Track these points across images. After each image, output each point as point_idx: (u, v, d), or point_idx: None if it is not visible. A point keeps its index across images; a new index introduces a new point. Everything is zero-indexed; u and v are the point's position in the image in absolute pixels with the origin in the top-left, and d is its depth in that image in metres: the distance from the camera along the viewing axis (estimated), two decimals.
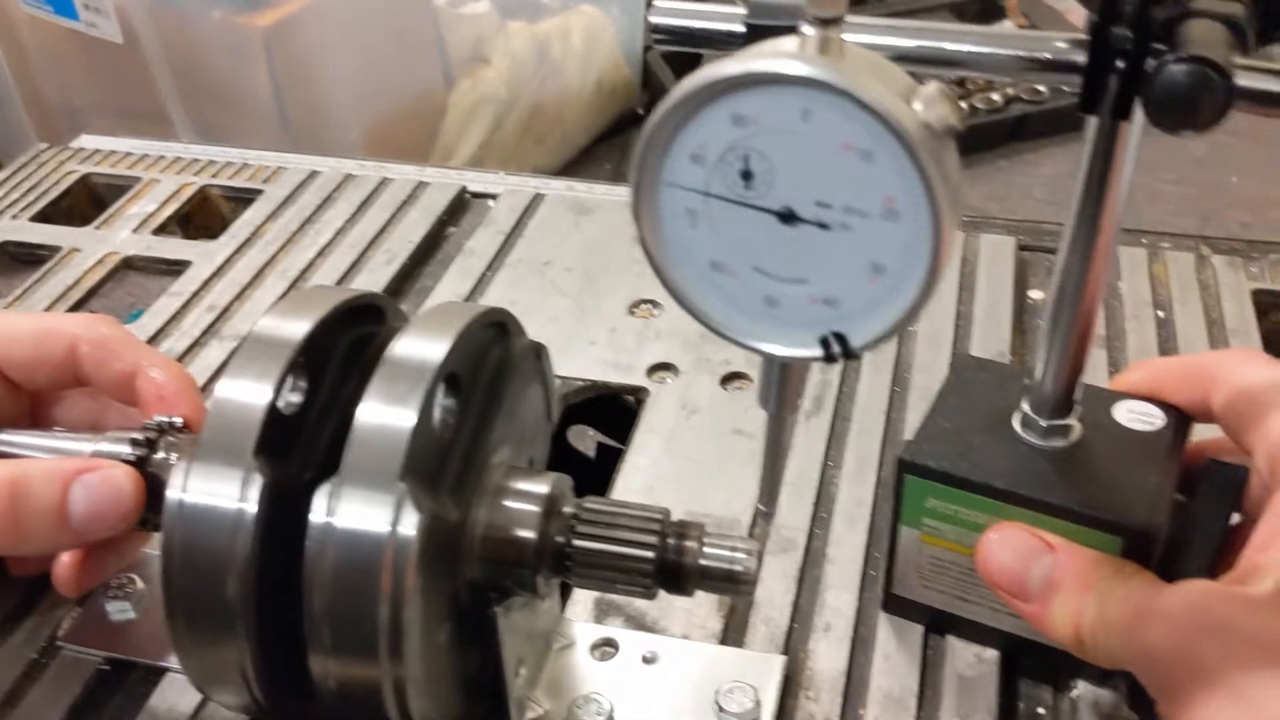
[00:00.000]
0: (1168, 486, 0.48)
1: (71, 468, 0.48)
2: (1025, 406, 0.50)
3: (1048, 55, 0.39)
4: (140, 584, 0.57)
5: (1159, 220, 2.11)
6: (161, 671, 0.54)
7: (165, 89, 1.79)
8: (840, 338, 0.36)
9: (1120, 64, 0.36)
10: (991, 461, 0.49)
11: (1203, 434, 0.51)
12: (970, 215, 0.85)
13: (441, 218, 0.88)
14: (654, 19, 0.42)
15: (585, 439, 1.04)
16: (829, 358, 0.37)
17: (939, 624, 0.54)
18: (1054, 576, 0.45)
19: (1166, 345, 0.72)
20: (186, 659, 0.43)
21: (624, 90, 2.40)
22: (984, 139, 2.33)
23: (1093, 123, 0.41)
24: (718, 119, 0.34)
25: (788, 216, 0.35)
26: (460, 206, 0.91)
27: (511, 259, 0.83)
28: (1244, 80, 0.34)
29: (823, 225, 0.34)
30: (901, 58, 0.39)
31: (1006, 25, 2.62)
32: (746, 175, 0.35)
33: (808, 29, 0.33)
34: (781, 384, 0.41)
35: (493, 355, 0.47)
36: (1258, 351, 0.50)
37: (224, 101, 1.80)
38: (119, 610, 0.56)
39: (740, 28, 0.40)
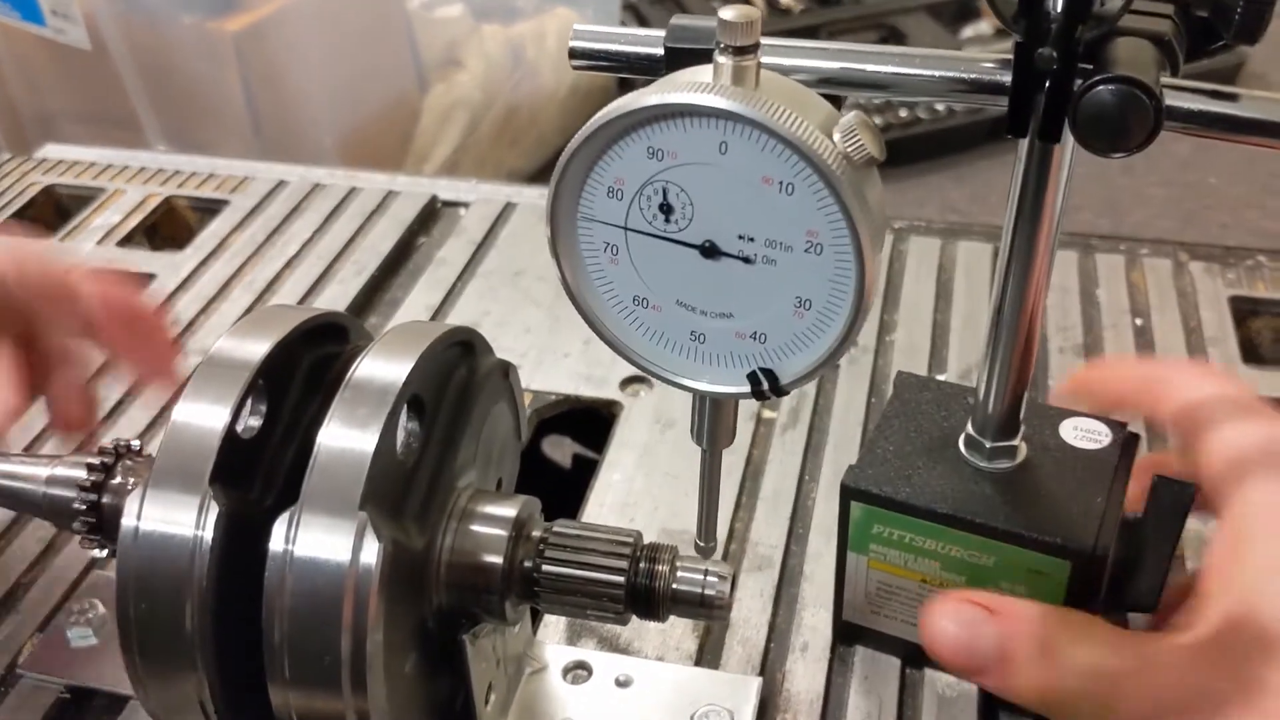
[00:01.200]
0: (1115, 507, 0.47)
1: None
2: (969, 428, 0.49)
3: (973, 76, 0.38)
4: (102, 609, 0.56)
5: (1144, 222, 2.12)
6: (124, 700, 0.53)
7: (135, 95, 1.77)
8: (769, 373, 0.35)
9: (1046, 85, 0.35)
10: (936, 485, 0.48)
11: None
12: (948, 222, 0.84)
13: (411, 227, 0.87)
14: (573, 43, 0.41)
15: (562, 448, 1.03)
16: (758, 394, 0.36)
17: (892, 651, 0.53)
18: (1006, 648, 0.43)
19: (1144, 353, 0.72)
20: (144, 691, 0.42)
21: (599, 93, 2.39)
22: (963, 139, 2.33)
23: (1023, 143, 0.40)
24: (634, 152, 0.33)
25: (710, 250, 0.34)
26: (431, 216, 0.90)
27: (483, 269, 0.82)
28: (1173, 100, 0.34)
29: (745, 259, 0.34)
30: (824, 81, 0.38)
31: (983, 26, 2.62)
32: (666, 209, 0.34)
33: (722, 58, 0.32)
34: (713, 420, 0.40)
35: (458, 375, 0.46)
36: (1209, 367, 0.49)
37: (195, 108, 1.78)
38: (80, 636, 0.55)
39: (658, 51, 0.39)
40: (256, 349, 0.43)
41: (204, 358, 0.43)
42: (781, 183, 0.32)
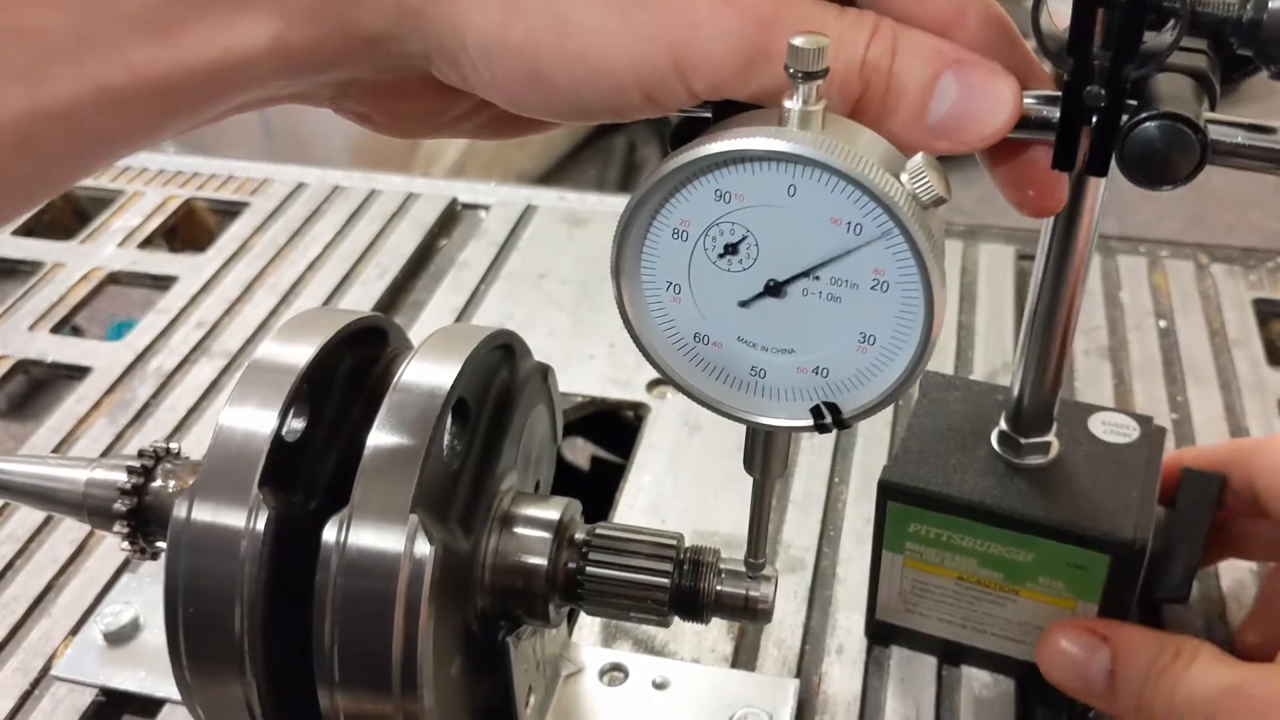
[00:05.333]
0: (1150, 499, 0.48)
1: (952, 53, 0.34)
2: (1003, 424, 0.50)
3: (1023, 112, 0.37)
4: (135, 612, 0.56)
5: (1150, 221, 2.12)
6: (159, 703, 0.53)
7: None
8: (832, 407, 0.35)
9: (1093, 121, 0.35)
10: (974, 481, 0.49)
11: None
12: (967, 224, 0.84)
13: (432, 230, 0.87)
14: None
15: (575, 449, 1.03)
16: (820, 428, 0.36)
17: (929, 649, 0.53)
18: (1115, 670, 0.45)
19: (1169, 355, 0.72)
20: (190, 695, 0.42)
21: None
22: None
23: None
24: (701, 195, 0.33)
25: (774, 289, 0.34)
26: (451, 218, 0.90)
27: (505, 271, 0.82)
28: (1216, 134, 0.34)
29: (810, 297, 0.34)
30: None
31: None
32: (731, 249, 0.34)
33: (789, 103, 0.32)
34: (766, 450, 0.40)
35: (500, 378, 0.46)
36: None
37: None
38: (113, 639, 0.55)
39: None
40: (301, 353, 0.43)
41: (249, 361, 0.43)
42: (850, 223, 0.32)
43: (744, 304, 0.34)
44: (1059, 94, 0.36)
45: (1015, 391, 0.48)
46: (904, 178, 0.32)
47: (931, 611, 0.52)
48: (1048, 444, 0.49)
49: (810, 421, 0.36)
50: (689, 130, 0.42)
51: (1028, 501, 0.48)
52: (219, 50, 0.32)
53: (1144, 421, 0.51)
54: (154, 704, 0.53)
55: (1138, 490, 0.48)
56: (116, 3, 0.30)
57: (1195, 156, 0.34)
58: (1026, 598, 0.49)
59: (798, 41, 0.31)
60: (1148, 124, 0.34)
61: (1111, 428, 0.51)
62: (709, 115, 0.38)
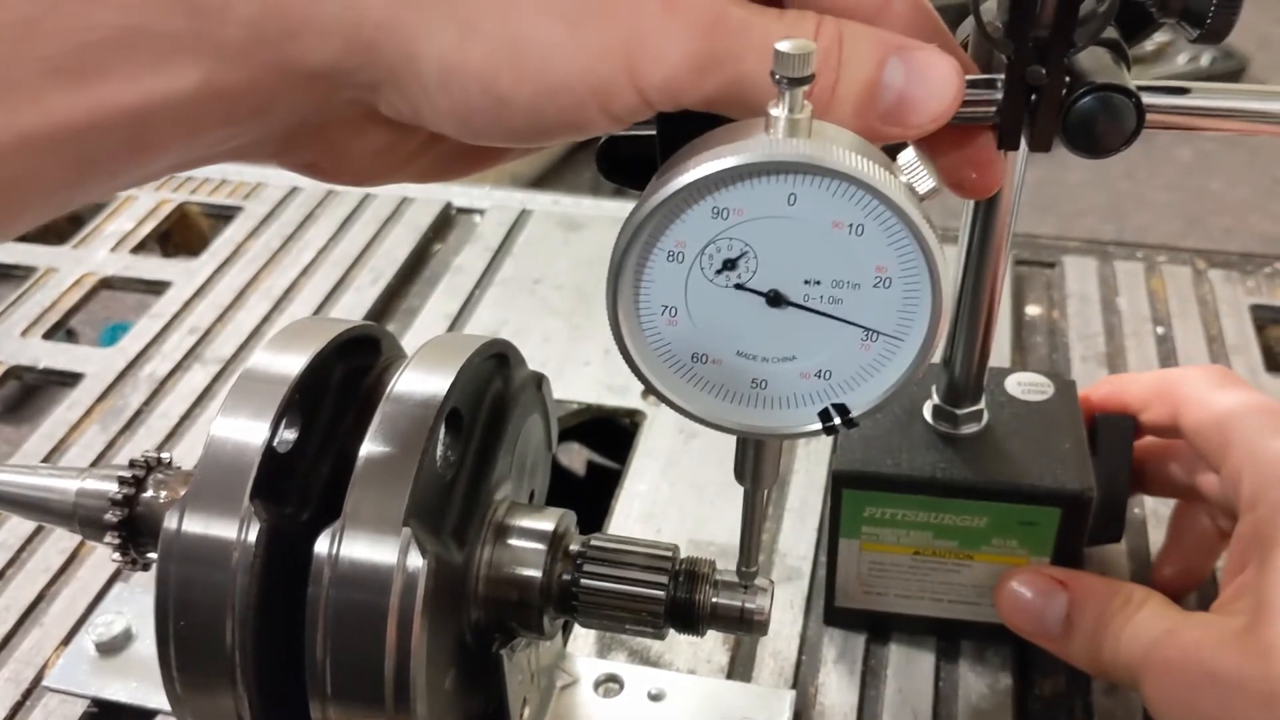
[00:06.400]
0: (1083, 449, 0.50)
1: (896, 40, 0.34)
2: (935, 398, 0.51)
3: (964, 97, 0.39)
4: (126, 622, 0.56)
5: (1147, 226, 2.12)
6: (151, 714, 0.52)
7: None
8: (840, 408, 0.35)
9: (1033, 99, 0.37)
10: (921, 457, 0.50)
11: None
12: None
13: (427, 234, 0.87)
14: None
15: (570, 454, 1.03)
16: (829, 430, 0.36)
17: (881, 627, 0.55)
18: (1071, 616, 0.47)
19: (1167, 362, 0.71)
20: (181, 707, 0.41)
21: None
22: None
23: None
24: (697, 215, 0.33)
25: (775, 299, 0.34)
26: (446, 223, 0.89)
27: (500, 277, 0.82)
28: (1150, 99, 0.37)
29: (812, 302, 0.34)
30: None
31: None
32: (729, 264, 0.33)
33: (775, 110, 0.31)
34: (757, 460, 0.40)
35: (493, 388, 0.46)
36: (1224, 370, 0.51)
37: None
38: (105, 650, 0.55)
39: None
40: (294, 363, 0.42)
41: (241, 371, 0.42)
42: (852, 225, 0.32)
43: (741, 318, 0.34)
44: (995, 76, 0.37)
45: (953, 367, 0.50)
46: (901, 174, 0.32)
47: (889, 589, 0.53)
48: (980, 412, 0.51)
49: (818, 425, 0.35)
50: (614, 149, 0.42)
51: (977, 469, 0.50)
52: (140, 95, 0.30)
53: (1054, 377, 0.54)
54: (146, 715, 0.52)
55: (1069, 443, 0.50)
56: (33, 46, 0.29)
57: (1133, 122, 0.36)
58: (981, 560, 0.51)
59: (784, 47, 0.31)
60: (1086, 97, 0.36)
61: (1028, 387, 0.53)
62: (639, 134, 0.38)
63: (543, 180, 2.27)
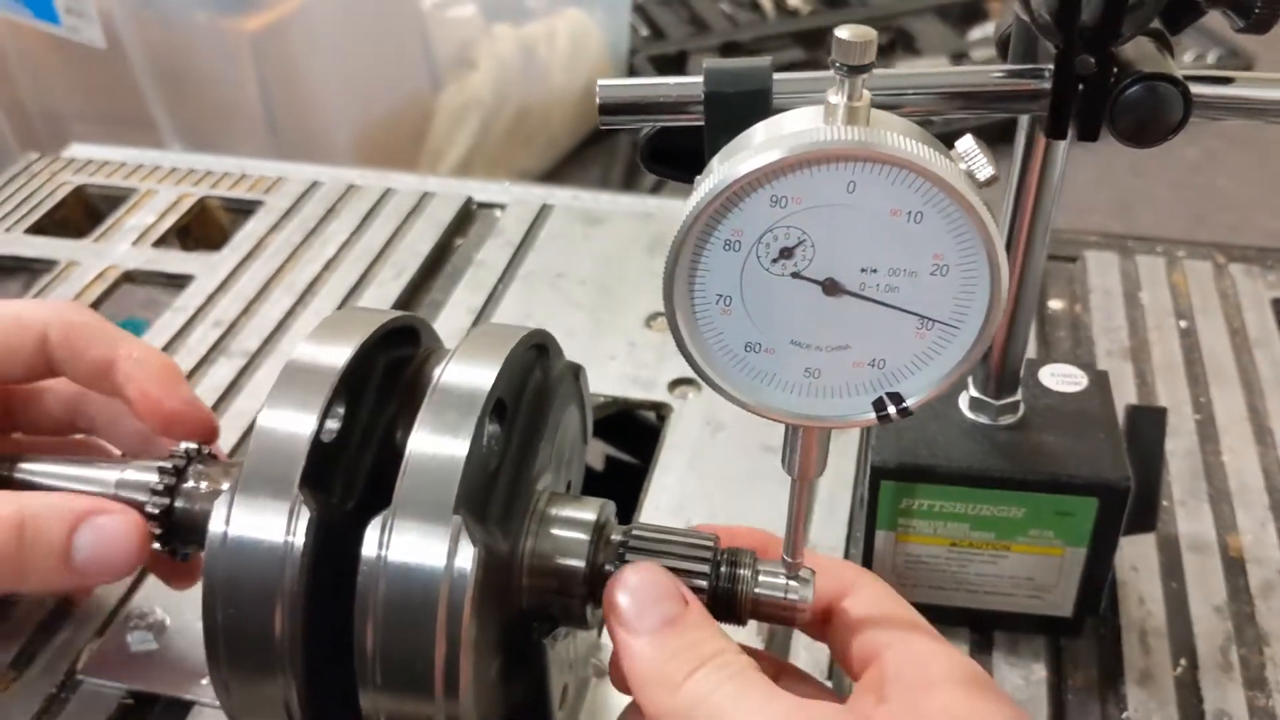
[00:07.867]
0: (1118, 440, 0.50)
1: (82, 508, 0.45)
2: (971, 390, 0.51)
3: (1011, 87, 0.40)
4: (161, 613, 0.56)
5: (1155, 223, 2.12)
6: (187, 705, 0.52)
7: (150, 95, 1.76)
8: (895, 396, 0.35)
9: (1081, 89, 0.38)
10: (960, 448, 0.50)
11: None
12: None
13: (449, 229, 0.87)
14: (601, 100, 0.41)
15: (588, 448, 1.03)
16: (882, 419, 0.36)
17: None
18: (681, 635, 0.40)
19: (1191, 355, 0.72)
20: (228, 696, 0.42)
21: None
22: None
23: (1020, 146, 0.45)
24: (755, 204, 0.33)
25: (831, 288, 0.34)
26: (467, 217, 0.90)
27: (523, 271, 0.82)
28: (1196, 88, 0.37)
29: (868, 290, 0.34)
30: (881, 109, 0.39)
31: (990, 28, 2.62)
32: (786, 253, 0.34)
33: (834, 98, 0.32)
34: (804, 451, 0.40)
35: (534, 378, 0.46)
36: (888, 589, 0.43)
37: (211, 107, 1.77)
38: (140, 641, 0.55)
39: (695, 95, 0.39)
40: (339, 353, 0.43)
41: (287, 361, 0.42)
42: (911, 212, 0.32)
43: (796, 307, 0.34)
44: (1042, 66, 0.38)
45: (988, 358, 0.50)
46: (960, 161, 0.33)
47: (924, 580, 0.53)
48: (1017, 403, 0.51)
49: (871, 415, 0.36)
50: (658, 141, 0.43)
51: (1014, 460, 0.50)
52: None
53: (1087, 369, 0.54)
54: (182, 706, 0.52)
55: (1105, 433, 0.50)
56: None
57: (1180, 112, 0.36)
58: (1018, 552, 0.51)
59: (843, 34, 0.31)
60: (1134, 87, 0.36)
61: (1062, 378, 0.53)
62: (684, 125, 0.39)
63: (553, 175, 2.27)
